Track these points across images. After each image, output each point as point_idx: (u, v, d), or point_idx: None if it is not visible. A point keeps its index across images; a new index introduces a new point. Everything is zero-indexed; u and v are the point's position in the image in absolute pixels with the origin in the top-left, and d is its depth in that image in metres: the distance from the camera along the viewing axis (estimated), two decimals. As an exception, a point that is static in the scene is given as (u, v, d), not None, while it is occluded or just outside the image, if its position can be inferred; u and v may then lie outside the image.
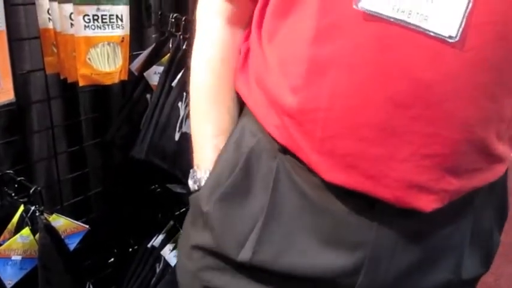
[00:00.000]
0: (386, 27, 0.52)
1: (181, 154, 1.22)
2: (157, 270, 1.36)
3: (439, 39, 0.51)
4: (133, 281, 1.39)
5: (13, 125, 1.19)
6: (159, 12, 1.31)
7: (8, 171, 1.08)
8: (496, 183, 0.65)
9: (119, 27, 1.12)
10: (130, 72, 1.24)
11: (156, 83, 1.26)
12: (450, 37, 0.50)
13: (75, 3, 1.04)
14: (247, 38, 0.71)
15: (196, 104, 0.73)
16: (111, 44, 1.12)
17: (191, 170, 0.73)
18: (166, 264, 1.35)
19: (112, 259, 1.50)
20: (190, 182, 0.73)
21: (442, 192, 0.58)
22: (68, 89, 1.24)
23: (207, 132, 0.72)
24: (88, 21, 1.06)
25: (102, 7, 1.08)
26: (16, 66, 1.04)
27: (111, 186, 1.44)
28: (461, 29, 0.50)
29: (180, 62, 1.23)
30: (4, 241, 1.01)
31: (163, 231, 1.40)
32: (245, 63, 0.70)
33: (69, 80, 1.11)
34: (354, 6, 0.53)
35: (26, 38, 1.14)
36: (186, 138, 1.22)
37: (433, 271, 0.64)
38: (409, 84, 0.53)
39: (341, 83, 0.55)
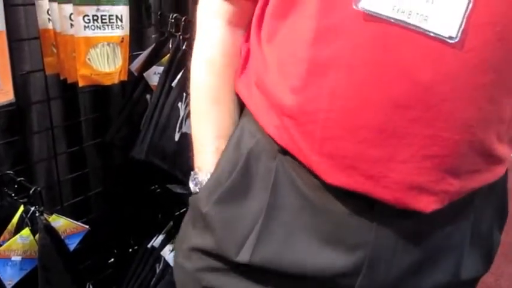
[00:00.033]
0: (386, 27, 0.52)
1: (181, 154, 1.22)
2: (157, 270, 1.36)
3: (439, 40, 0.51)
4: (133, 282, 1.39)
5: (13, 125, 1.19)
6: (159, 13, 1.31)
7: (8, 172, 1.08)
8: (496, 184, 0.65)
9: (118, 27, 1.12)
10: (130, 73, 1.24)
11: (156, 84, 1.26)
12: (450, 38, 0.50)
13: (75, 4, 1.04)
14: (247, 39, 0.70)
15: (197, 104, 0.73)
16: (111, 45, 1.12)
17: (192, 173, 0.73)
18: (166, 264, 1.35)
19: (112, 259, 1.50)
20: (191, 185, 0.72)
21: (442, 193, 0.58)
22: (67, 90, 1.24)
23: (207, 133, 0.72)
24: (88, 21, 1.06)
25: (101, 7, 1.07)
26: (16, 66, 1.05)
27: (111, 187, 1.44)
28: (461, 30, 0.50)
29: (180, 63, 1.23)
30: (4, 242, 1.01)
31: (163, 232, 1.40)
32: (245, 64, 0.70)
33: (69, 81, 1.11)
34: (354, 7, 0.53)
35: (25, 39, 1.13)
36: (186, 138, 1.23)
37: (433, 271, 0.64)
38: (408, 85, 0.52)
39: (341, 83, 0.55)
